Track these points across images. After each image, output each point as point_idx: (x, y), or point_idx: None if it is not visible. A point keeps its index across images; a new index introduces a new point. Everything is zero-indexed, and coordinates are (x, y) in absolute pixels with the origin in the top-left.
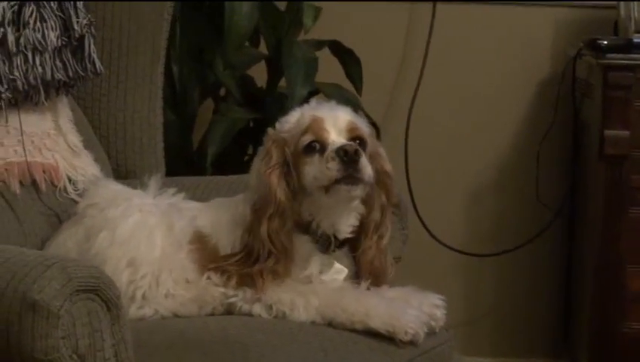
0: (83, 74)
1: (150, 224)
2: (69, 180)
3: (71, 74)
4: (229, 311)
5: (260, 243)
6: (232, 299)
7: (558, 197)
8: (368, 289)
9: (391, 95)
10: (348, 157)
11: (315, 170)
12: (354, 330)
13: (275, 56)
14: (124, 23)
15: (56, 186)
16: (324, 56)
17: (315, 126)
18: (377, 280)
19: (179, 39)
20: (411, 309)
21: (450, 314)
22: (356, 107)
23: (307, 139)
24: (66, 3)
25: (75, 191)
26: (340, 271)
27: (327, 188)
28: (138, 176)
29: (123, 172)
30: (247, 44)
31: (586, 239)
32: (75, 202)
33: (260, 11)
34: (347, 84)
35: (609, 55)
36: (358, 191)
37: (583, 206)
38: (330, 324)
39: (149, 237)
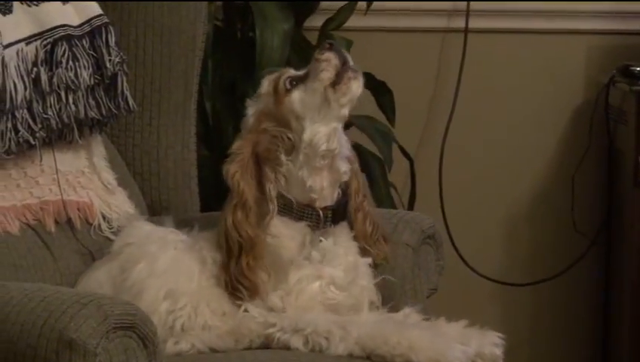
0: (116, 111)
1: (187, 257)
2: (104, 218)
3: (104, 112)
4: (267, 344)
5: (227, 234)
6: (270, 330)
7: (594, 225)
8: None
9: (424, 126)
10: (334, 46)
11: (309, 85)
12: None
13: None
14: (155, 60)
15: (90, 224)
16: None
17: (285, 71)
18: (369, 242)
19: (211, 74)
20: (457, 343)
21: None
22: (389, 138)
23: (286, 76)
24: (99, 41)
25: (110, 229)
26: (328, 248)
27: (334, 83)
28: (172, 212)
29: (157, 208)
30: None
31: (623, 267)
32: (110, 240)
33: (291, 45)
34: (380, 116)
35: None
36: (361, 79)
37: (619, 233)
38: (369, 357)
39: (187, 270)
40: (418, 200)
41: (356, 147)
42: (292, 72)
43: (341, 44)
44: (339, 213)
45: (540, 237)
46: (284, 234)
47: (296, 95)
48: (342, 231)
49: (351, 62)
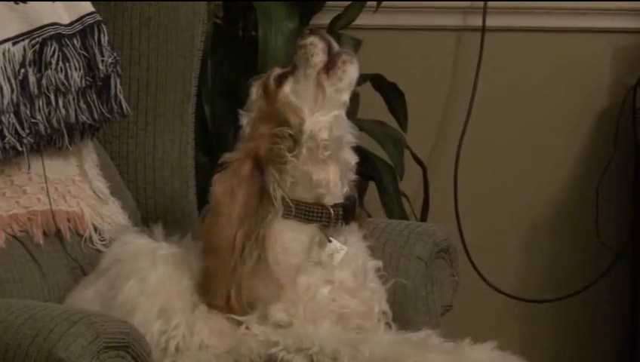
0: (109, 116)
1: (179, 273)
2: (95, 229)
3: (96, 116)
4: None
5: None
6: (272, 350)
7: (619, 237)
8: None
9: (438, 131)
10: (315, 31)
11: (299, 73)
12: None
13: None
14: (152, 61)
15: (81, 236)
16: (366, 91)
17: (272, 71)
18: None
19: (211, 76)
20: None
21: None
22: (400, 144)
23: (274, 74)
24: (91, 41)
25: (102, 241)
26: (338, 249)
27: (327, 68)
28: (169, 223)
29: (153, 219)
30: None
31: None
32: (102, 253)
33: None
34: (391, 121)
35: None
36: (356, 62)
37: None
38: None
39: (179, 285)
40: (431, 210)
41: (365, 154)
42: (279, 69)
43: (349, 44)
44: (350, 211)
45: (562, 250)
46: (290, 238)
47: (287, 87)
48: (352, 231)
49: (336, 46)
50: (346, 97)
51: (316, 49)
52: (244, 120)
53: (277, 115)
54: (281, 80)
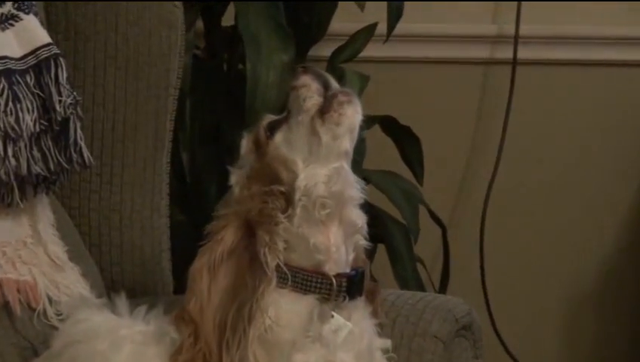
0: (67, 166)
1: (147, 354)
2: (50, 302)
3: (52, 166)
4: None
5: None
6: None
7: None
8: None
9: (460, 183)
10: (309, 68)
11: (292, 120)
12: None
13: None
14: (119, 102)
15: (33, 310)
16: (374, 136)
17: (263, 119)
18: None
19: (189, 119)
20: None
21: None
22: (415, 200)
23: (265, 123)
24: (46, 78)
25: (58, 315)
26: (342, 325)
27: (322, 112)
28: (138, 294)
29: (119, 289)
30: None
31: None
32: (57, 329)
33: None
34: (404, 171)
35: None
36: (357, 102)
37: None
38: None
39: None
40: (452, 279)
41: (373, 210)
42: (271, 117)
43: (354, 80)
44: (356, 285)
45: (608, 328)
46: (284, 310)
47: (279, 137)
48: (356, 305)
49: (335, 85)
50: (346, 145)
51: (309, 91)
52: (233, 178)
53: (268, 170)
54: (272, 129)
